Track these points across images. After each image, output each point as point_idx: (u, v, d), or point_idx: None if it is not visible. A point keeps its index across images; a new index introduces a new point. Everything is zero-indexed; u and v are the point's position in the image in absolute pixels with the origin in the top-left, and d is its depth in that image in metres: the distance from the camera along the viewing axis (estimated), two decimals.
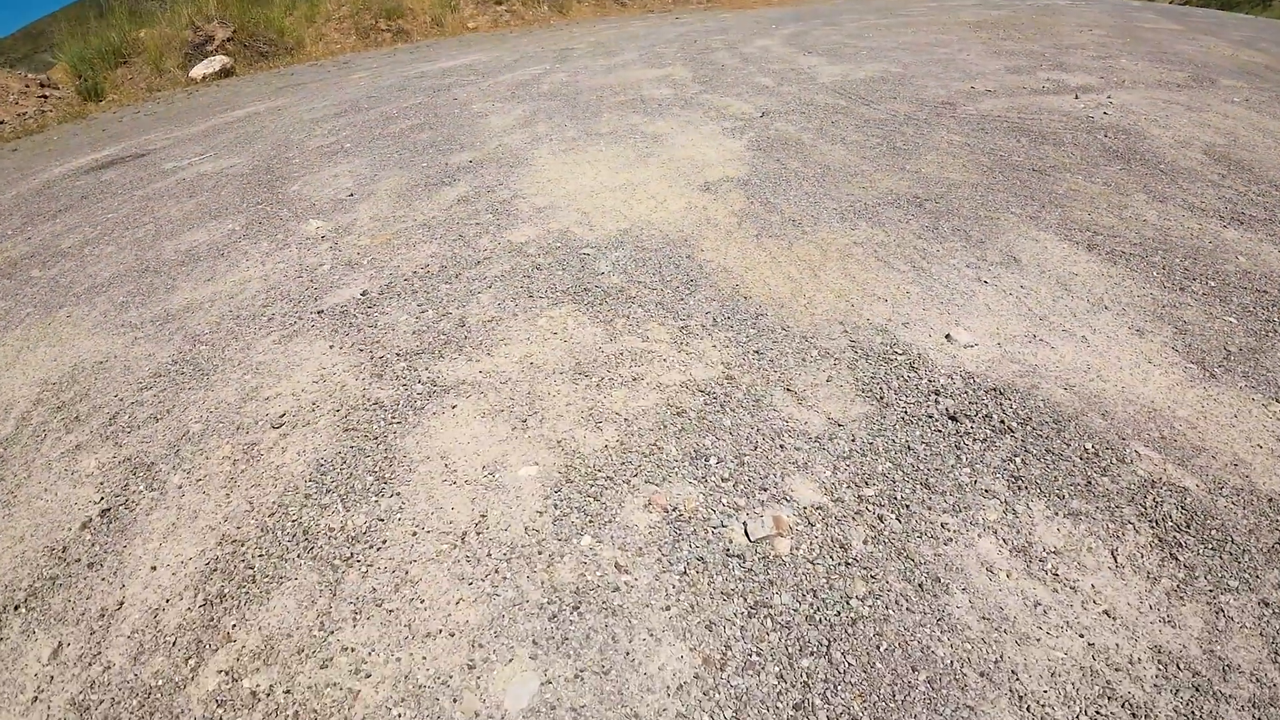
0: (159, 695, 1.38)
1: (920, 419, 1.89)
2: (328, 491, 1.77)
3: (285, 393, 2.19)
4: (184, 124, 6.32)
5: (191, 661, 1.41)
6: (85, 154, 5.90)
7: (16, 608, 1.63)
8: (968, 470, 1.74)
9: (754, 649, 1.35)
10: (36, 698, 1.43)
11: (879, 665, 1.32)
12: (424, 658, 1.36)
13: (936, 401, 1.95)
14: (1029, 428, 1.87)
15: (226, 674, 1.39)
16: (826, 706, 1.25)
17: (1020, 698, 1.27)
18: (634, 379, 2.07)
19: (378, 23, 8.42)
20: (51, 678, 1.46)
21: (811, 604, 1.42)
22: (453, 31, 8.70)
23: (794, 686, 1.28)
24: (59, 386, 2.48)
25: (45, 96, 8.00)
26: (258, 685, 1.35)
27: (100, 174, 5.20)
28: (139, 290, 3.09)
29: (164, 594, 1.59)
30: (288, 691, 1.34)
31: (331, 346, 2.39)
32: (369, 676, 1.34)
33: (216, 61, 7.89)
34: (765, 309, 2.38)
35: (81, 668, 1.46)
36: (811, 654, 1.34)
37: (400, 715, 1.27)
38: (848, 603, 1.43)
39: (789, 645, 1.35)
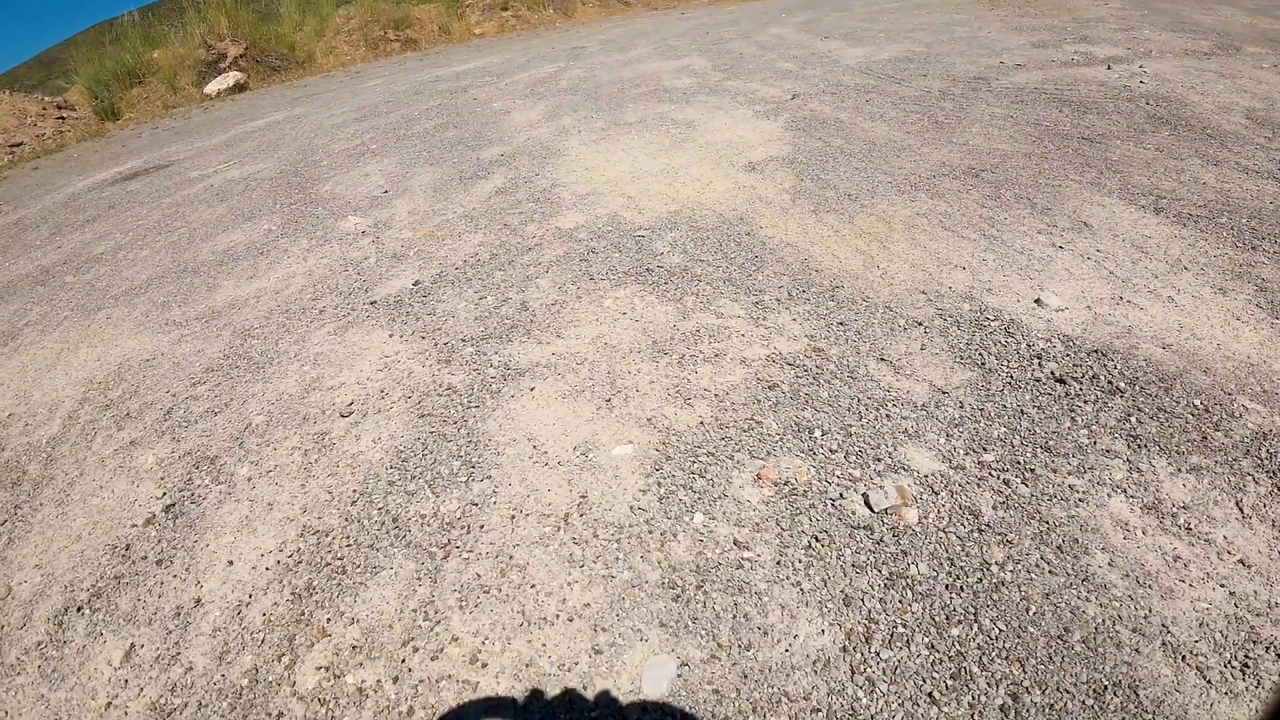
0: (252, 695, 1.29)
1: (1027, 383, 1.79)
2: (412, 478, 1.68)
3: (349, 381, 2.11)
4: (204, 136, 6.30)
5: (285, 659, 1.32)
6: (108, 168, 5.88)
7: (80, 609, 1.55)
8: (1085, 432, 1.64)
9: (898, 620, 1.25)
10: (111, 703, 1.33)
11: (1031, 629, 1.22)
12: (544, 645, 1.27)
13: (1040, 365, 1.85)
14: (1137, 387, 1.78)
15: (326, 670, 1.30)
16: (985, 674, 1.16)
17: (1174, 649, 1.18)
18: (716, 355, 1.98)
19: (386, 33, 8.42)
20: (126, 681, 1.37)
21: (950, 572, 1.33)
22: (460, 38, 8.69)
23: (947, 656, 1.19)
24: (105, 385, 2.41)
25: (63, 118, 8.02)
26: (363, 680, 1.26)
27: (126, 185, 5.17)
28: (179, 290, 3.03)
29: (245, 589, 1.50)
30: (397, 684, 1.25)
31: (391, 335, 2.31)
32: (486, 666, 1.25)
33: (230, 77, 7.89)
34: (841, 281, 2.29)
35: (160, 670, 1.37)
36: (960, 622, 1.24)
37: (529, 707, 1.18)
38: (988, 569, 1.33)
39: (935, 615, 1.26)
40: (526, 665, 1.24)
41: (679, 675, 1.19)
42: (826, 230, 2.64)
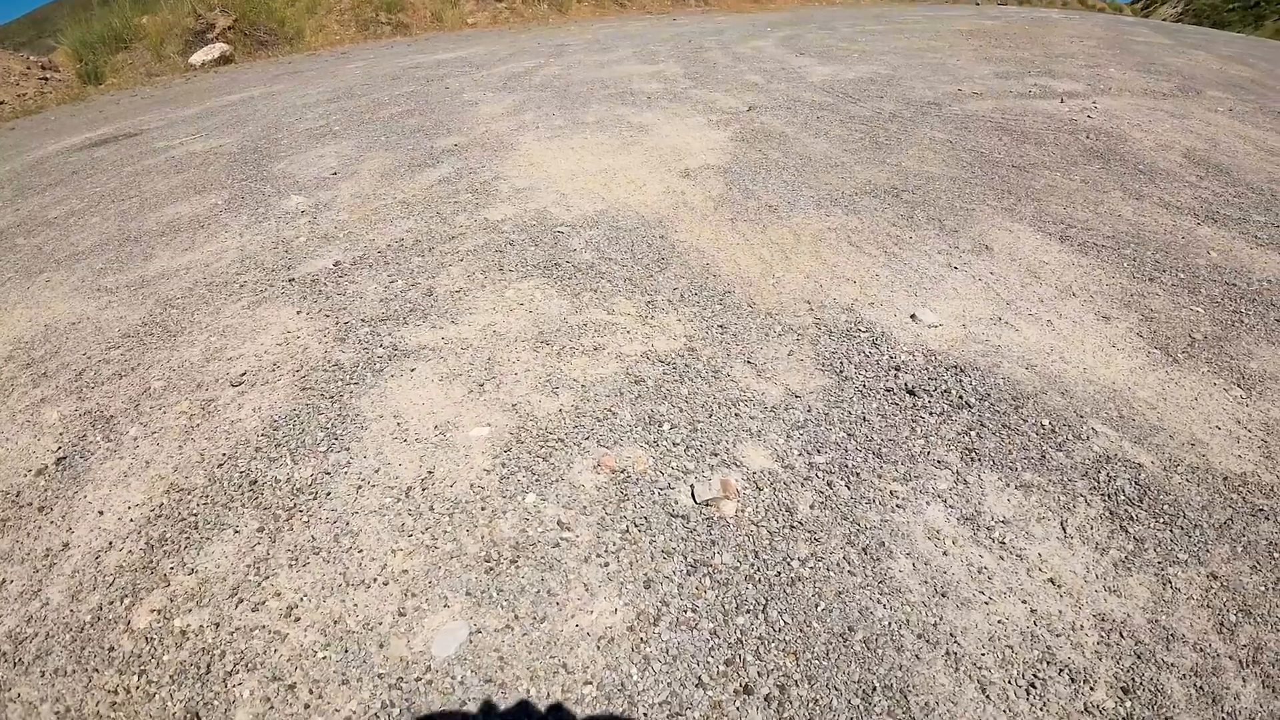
0: (92, 630, 1.36)
1: (878, 392, 1.88)
2: (278, 445, 1.75)
3: (248, 354, 2.18)
4: (179, 107, 6.34)
5: (127, 600, 1.39)
6: (80, 133, 5.90)
7: None
8: (921, 442, 1.73)
9: (690, 605, 1.33)
10: None
11: (815, 624, 1.31)
12: (356, 605, 1.34)
13: (896, 376, 1.94)
14: (987, 404, 1.87)
15: (159, 613, 1.37)
16: (758, 663, 1.23)
17: (957, 659, 1.25)
18: (595, 349, 2.06)
19: (378, 15, 8.48)
20: None
21: (753, 564, 1.41)
22: (452, 27, 8.76)
23: (726, 643, 1.27)
24: (31, 345, 2.47)
25: (46, 79, 8.02)
26: (188, 624, 1.33)
27: (93, 151, 5.20)
28: (118, 258, 3.09)
29: (108, 538, 1.57)
30: (216, 630, 1.32)
31: (298, 312, 2.38)
32: (298, 620, 1.32)
33: (216, 49, 7.92)
34: (733, 287, 2.38)
35: (21, 604, 1.44)
36: (748, 612, 1.32)
37: (325, 659, 1.25)
38: (789, 564, 1.41)
39: (725, 603, 1.34)
40: (334, 622, 1.31)
41: (469, 640, 1.26)
42: (737, 238, 2.73)
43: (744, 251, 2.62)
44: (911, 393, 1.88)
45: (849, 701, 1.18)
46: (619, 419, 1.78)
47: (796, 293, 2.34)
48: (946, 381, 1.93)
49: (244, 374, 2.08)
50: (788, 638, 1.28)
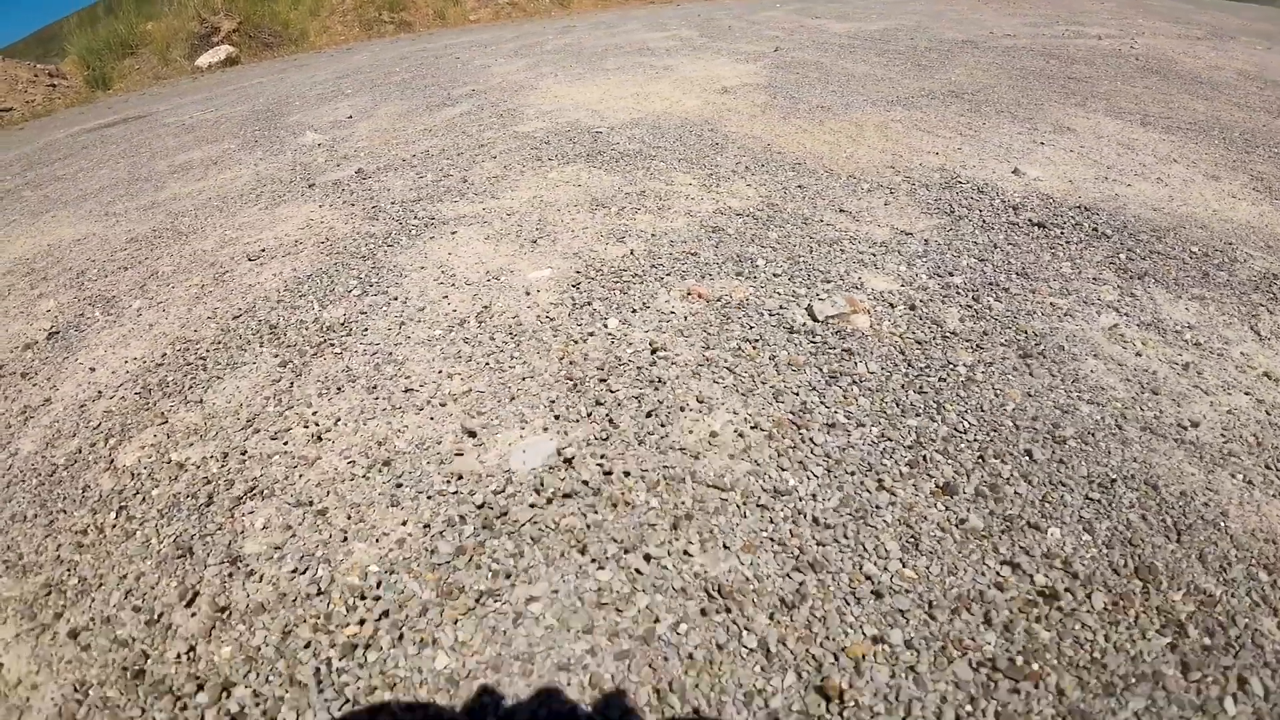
0: (65, 473, 1.08)
1: (1001, 225, 1.60)
2: (302, 297, 1.47)
3: (267, 238, 1.91)
4: (188, 95, 6.22)
5: (112, 441, 1.11)
6: (90, 121, 5.78)
7: None
8: (1068, 264, 1.45)
9: (840, 411, 1.04)
10: None
11: (1009, 424, 1.01)
12: (405, 427, 1.05)
13: (1016, 214, 1.67)
14: (1126, 234, 1.60)
15: (152, 448, 1.08)
16: (952, 463, 0.94)
17: (1198, 449, 0.97)
18: (660, 208, 1.80)
19: (380, 15, 8.46)
20: None
21: (907, 373, 1.12)
22: (455, 23, 8.73)
23: (902, 446, 0.97)
24: (32, 260, 2.23)
25: (54, 85, 7.96)
26: (187, 458, 1.04)
27: (103, 131, 5.05)
28: (127, 193, 2.87)
29: (96, 389, 1.29)
30: (224, 461, 1.03)
31: (320, 206, 2.13)
32: (330, 445, 1.03)
33: (222, 51, 7.87)
34: (803, 160, 2.12)
35: None
36: (919, 415, 1.03)
37: (367, 481, 0.96)
38: (953, 370, 1.12)
39: (885, 408, 1.04)
40: (378, 444, 1.02)
41: (559, 454, 0.97)
42: (794, 130, 2.48)
43: (806, 138, 2.37)
44: (1040, 225, 1.61)
45: (1084, 495, 0.89)
46: (701, 259, 1.50)
47: (875, 162, 2.08)
48: (1075, 217, 1.66)
49: (262, 250, 1.81)
50: (980, 438, 0.99)
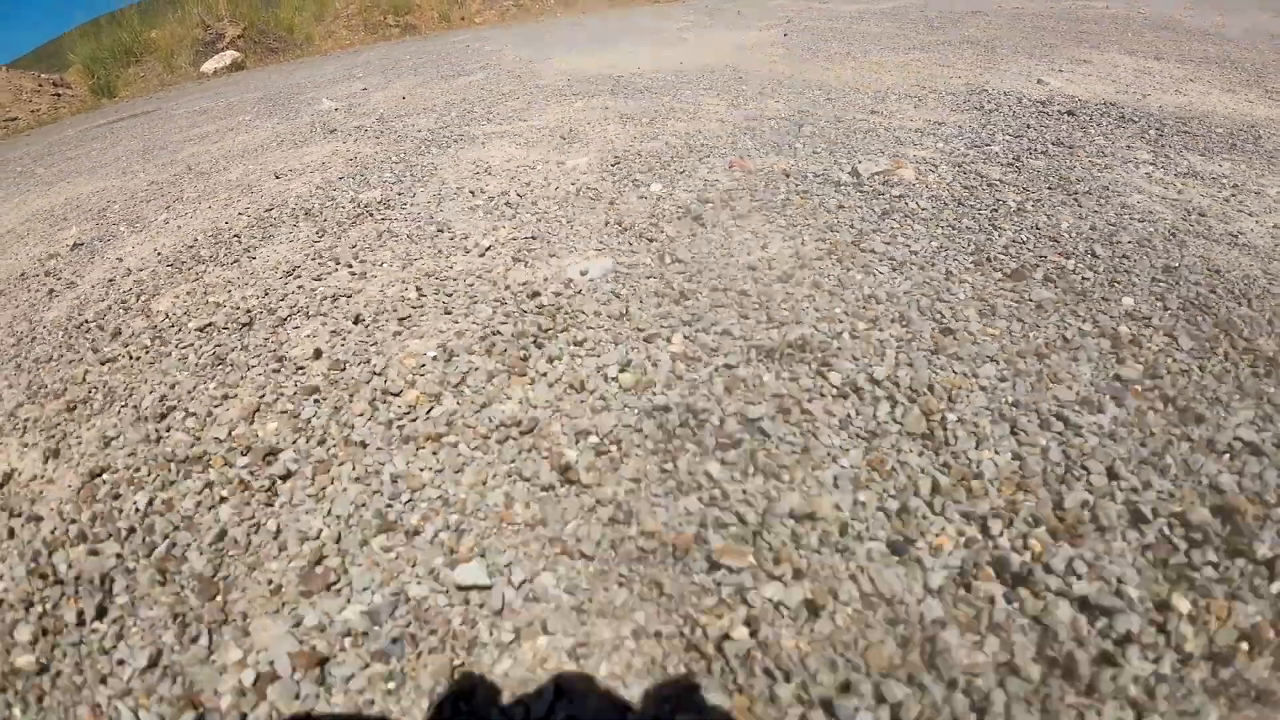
0: (93, 324, 1.07)
1: (1033, 113, 1.61)
2: (335, 190, 1.47)
3: (293, 164, 1.92)
4: (196, 95, 6.31)
5: (144, 297, 1.10)
6: (98, 120, 5.86)
7: None
8: (1102, 139, 1.45)
9: (897, 232, 1.03)
10: None
11: (1065, 234, 1.01)
12: (452, 264, 1.04)
13: (1045, 107, 1.67)
14: (1152, 119, 1.61)
15: (187, 295, 1.07)
16: (1014, 260, 0.93)
17: (1251, 249, 0.96)
18: (692, 117, 1.80)
19: (385, 19, 8.59)
20: None
21: (957, 210, 1.11)
22: (460, 25, 8.88)
23: (963, 251, 0.96)
24: (50, 211, 2.24)
25: (59, 94, 8.07)
26: (226, 298, 1.03)
27: (113, 125, 5.12)
28: (142, 159, 2.90)
29: (125, 269, 1.29)
30: (264, 297, 1.02)
31: (345, 142, 2.13)
32: (376, 279, 1.02)
33: (227, 56, 7.98)
34: (829, 85, 2.13)
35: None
36: (975, 232, 1.02)
37: (419, 302, 0.94)
38: (1003, 204, 1.11)
39: (941, 228, 1.03)
40: (427, 275, 1.01)
41: (614, 269, 0.96)
42: (816, 68, 2.50)
43: (828, 74, 2.38)
44: (1071, 114, 1.61)
45: (1151, 278, 0.88)
46: (739, 144, 1.50)
47: (899, 85, 2.09)
48: (1102, 109, 1.66)
49: (290, 171, 1.82)
50: (1039, 246, 0.98)
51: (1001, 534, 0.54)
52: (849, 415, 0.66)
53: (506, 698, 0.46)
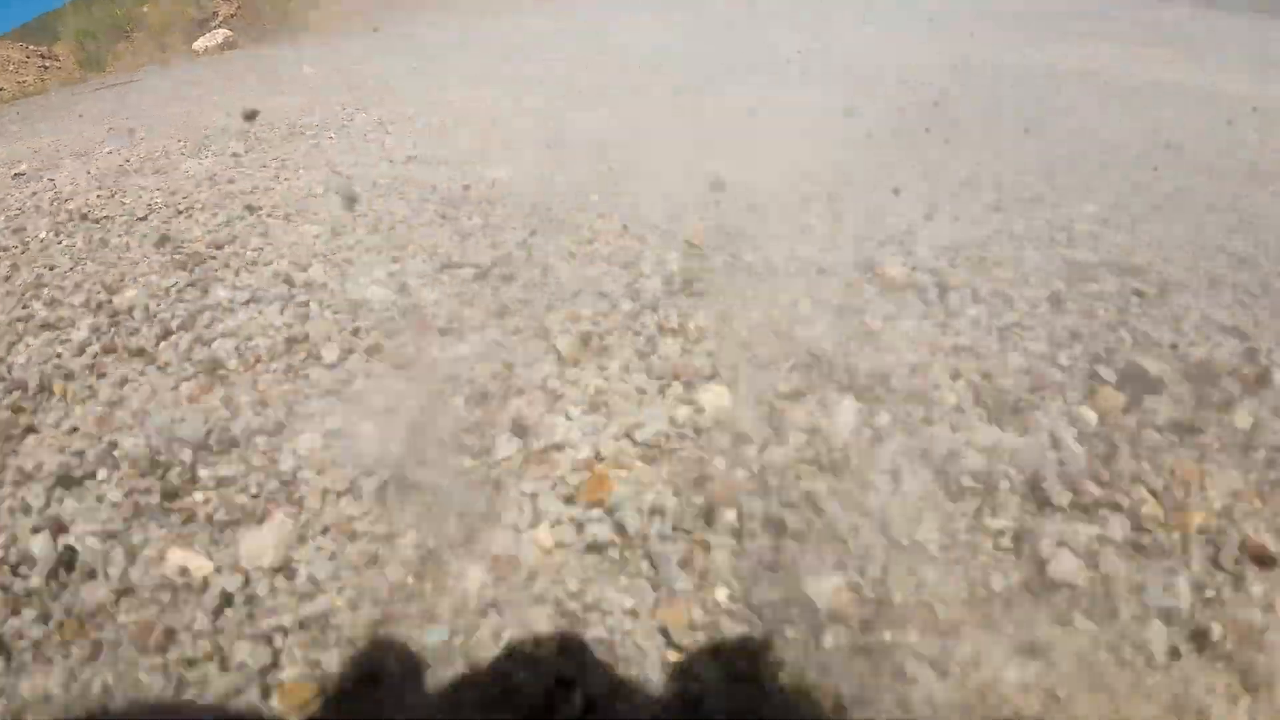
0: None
1: None
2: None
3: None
4: (186, 69, 6.22)
5: (56, 204, 1.07)
6: (86, 89, 5.75)
7: None
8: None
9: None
10: None
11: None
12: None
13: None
14: None
15: (98, 197, 1.03)
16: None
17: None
18: None
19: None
20: None
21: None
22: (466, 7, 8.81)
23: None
24: (9, 158, 2.18)
25: (45, 66, 7.89)
26: (132, 200, 0.99)
27: (97, 94, 5.05)
28: (111, 117, 2.85)
29: (50, 184, 1.25)
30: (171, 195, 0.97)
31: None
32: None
33: (219, 35, 7.87)
34: None
35: None
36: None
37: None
38: None
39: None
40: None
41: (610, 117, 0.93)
42: None
43: None
44: None
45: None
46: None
47: None
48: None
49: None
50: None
51: None
52: None
53: None
